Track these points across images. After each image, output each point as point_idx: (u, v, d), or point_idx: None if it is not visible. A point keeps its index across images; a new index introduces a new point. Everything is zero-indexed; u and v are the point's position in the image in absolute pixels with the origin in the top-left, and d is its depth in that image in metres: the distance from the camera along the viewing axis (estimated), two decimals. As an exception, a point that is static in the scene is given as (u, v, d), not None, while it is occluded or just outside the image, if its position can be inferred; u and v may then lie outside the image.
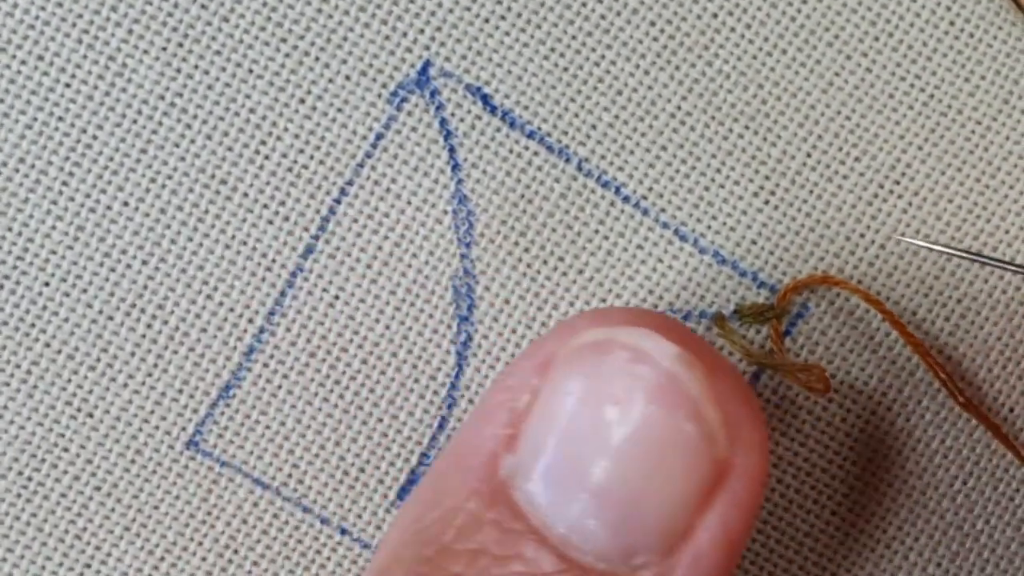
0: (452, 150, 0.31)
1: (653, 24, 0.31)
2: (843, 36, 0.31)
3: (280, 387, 0.32)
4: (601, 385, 0.27)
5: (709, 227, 0.31)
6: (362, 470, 0.32)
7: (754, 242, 0.31)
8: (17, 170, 0.31)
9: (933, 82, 0.32)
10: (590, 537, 0.27)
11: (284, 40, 0.31)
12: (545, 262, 0.32)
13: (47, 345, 0.31)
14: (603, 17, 0.31)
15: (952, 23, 0.32)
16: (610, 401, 0.27)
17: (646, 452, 0.27)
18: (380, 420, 0.32)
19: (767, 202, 0.31)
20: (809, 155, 0.32)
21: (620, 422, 0.27)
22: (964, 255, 0.31)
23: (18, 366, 0.31)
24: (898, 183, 0.32)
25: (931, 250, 0.31)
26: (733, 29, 0.31)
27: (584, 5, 0.31)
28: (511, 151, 0.31)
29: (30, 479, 0.32)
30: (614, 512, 0.27)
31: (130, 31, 0.31)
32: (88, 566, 0.32)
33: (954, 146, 0.32)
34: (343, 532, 0.32)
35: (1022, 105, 0.32)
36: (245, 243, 0.31)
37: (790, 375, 0.30)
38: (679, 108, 0.31)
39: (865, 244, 0.32)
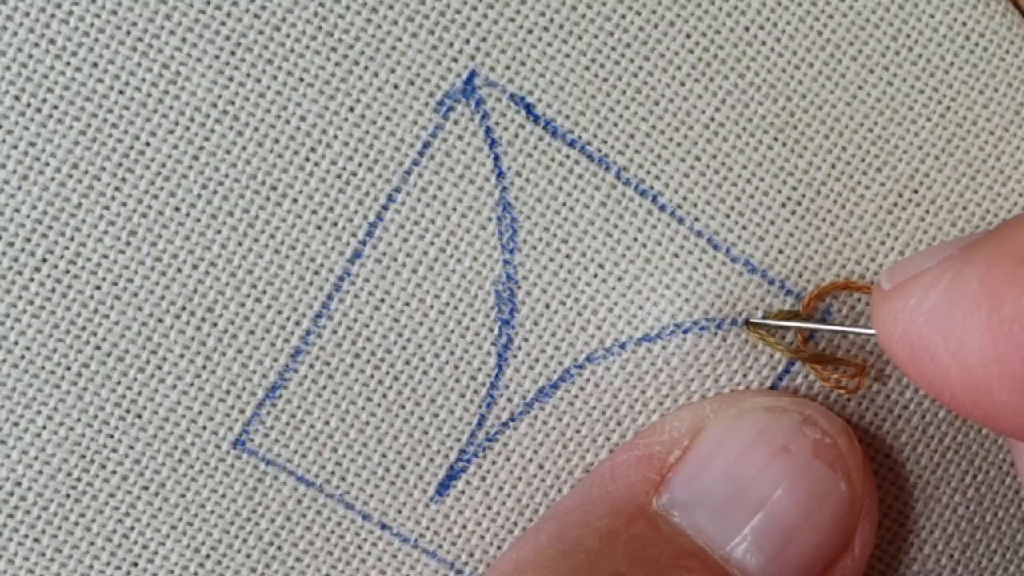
0: (497, 158, 0.33)
1: (689, 37, 0.33)
2: (866, 51, 0.34)
3: (325, 387, 0.33)
4: (772, 436, 0.31)
5: (740, 236, 0.33)
6: (403, 467, 0.34)
7: (781, 251, 0.33)
8: (71, 175, 0.32)
9: (950, 95, 0.34)
10: (746, 561, 0.31)
11: (334, 49, 0.32)
12: (586, 268, 0.33)
13: (97, 347, 0.32)
14: (641, 29, 0.33)
15: (968, 38, 0.34)
16: (779, 449, 0.31)
17: (808, 497, 0.31)
18: (421, 419, 0.33)
19: (794, 212, 0.33)
20: (834, 166, 0.34)
21: (785, 468, 0.31)
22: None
23: (68, 368, 0.32)
24: (916, 192, 0.34)
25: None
26: (764, 43, 0.33)
27: (624, 18, 0.33)
28: (553, 159, 0.33)
29: (79, 479, 0.33)
30: (772, 543, 0.31)
31: (183, 39, 0.32)
32: (135, 564, 0.33)
33: (969, 156, 0.34)
34: (383, 527, 0.34)
35: (1030, 118, 0.34)
36: (294, 247, 0.33)
37: (832, 365, 0.32)
38: (712, 119, 0.33)
39: (885, 251, 0.34)
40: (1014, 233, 0.27)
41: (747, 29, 0.33)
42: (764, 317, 0.34)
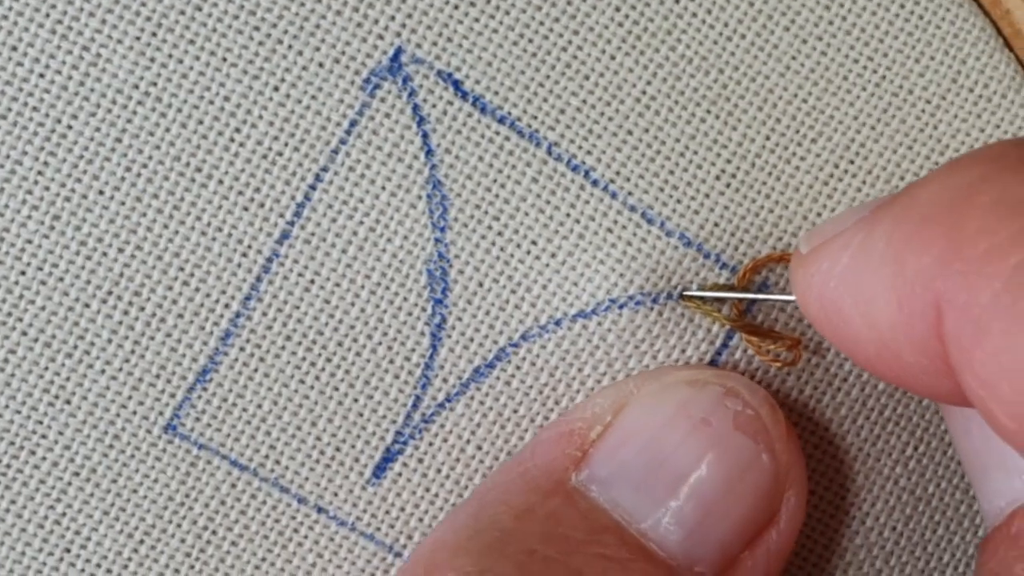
0: (425, 136, 0.33)
1: (618, 10, 0.33)
2: (799, 21, 0.33)
3: (256, 370, 0.33)
4: (693, 409, 0.31)
5: (674, 210, 0.33)
6: (338, 449, 0.33)
7: (717, 224, 0.33)
8: (-8, 160, 0.32)
9: (885, 63, 0.34)
10: (665, 535, 0.31)
11: (257, 28, 0.32)
12: (518, 245, 0.33)
13: (24, 333, 0.32)
14: (570, 3, 0.33)
15: (903, 6, 0.34)
16: (700, 422, 0.31)
17: (728, 471, 0.31)
18: (355, 400, 0.33)
19: (729, 185, 0.33)
20: (768, 137, 0.34)
21: (705, 440, 0.31)
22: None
23: (-5, 355, 0.32)
24: (852, 162, 0.34)
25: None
26: (695, 15, 0.33)
27: (551, -8, 0.33)
28: (483, 136, 0.33)
29: (9, 466, 0.33)
30: (691, 516, 0.31)
31: (104, 21, 0.32)
32: (68, 551, 0.33)
33: (905, 125, 0.34)
34: (320, 511, 0.34)
35: (969, 84, 0.34)
36: (221, 229, 0.33)
37: (768, 339, 0.32)
38: (644, 93, 0.33)
39: (815, 220, 0.34)
40: (920, 192, 0.27)
41: (677, 1, 0.33)
42: (700, 290, 0.34)
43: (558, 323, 0.34)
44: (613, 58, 0.33)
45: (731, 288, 0.34)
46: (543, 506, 0.31)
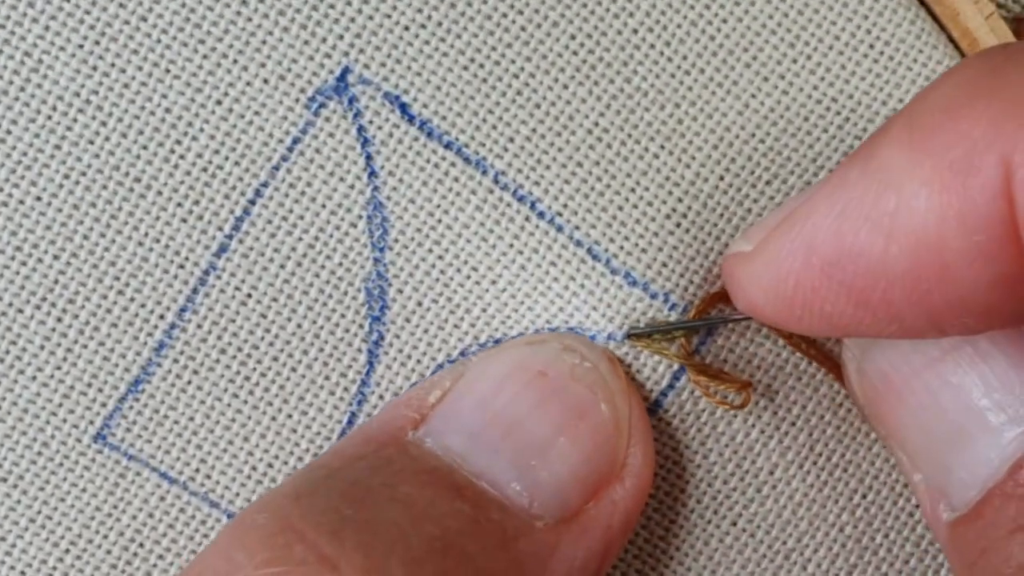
0: (369, 157, 0.32)
1: (573, 38, 0.32)
2: (761, 58, 0.33)
3: (190, 383, 0.33)
4: (529, 364, 0.31)
5: (622, 247, 0.33)
6: (270, 465, 0.33)
7: (665, 264, 0.33)
8: (-72, 162, 0.32)
9: (850, 105, 0.33)
10: (499, 477, 0.31)
11: (202, 41, 0.32)
12: (458, 270, 0.33)
13: (-45, 336, 0.32)
14: (523, 29, 0.32)
15: (871, 46, 0.33)
16: (536, 375, 0.31)
17: (562, 414, 0.31)
18: (289, 416, 0.33)
19: (679, 224, 0.33)
20: (722, 177, 0.33)
21: (541, 391, 0.31)
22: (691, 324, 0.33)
23: (-74, 356, 0.32)
24: (809, 205, 0.33)
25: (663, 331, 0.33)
26: (652, 46, 0.32)
27: (505, 17, 0.32)
28: (428, 160, 0.32)
29: (-64, 468, 0.33)
30: (523, 459, 0.31)
31: (47, 27, 0.31)
32: (-7, 554, 0.33)
33: (866, 170, 0.33)
34: (248, 526, 0.33)
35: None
36: (158, 240, 0.32)
37: (717, 380, 0.32)
38: (596, 125, 0.33)
39: None
40: (932, 96, 0.27)
41: (635, 31, 0.32)
42: (647, 326, 0.33)
43: (497, 342, 0.33)
44: (566, 87, 0.33)
45: (680, 323, 0.33)
46: (376, 453, 0.31)
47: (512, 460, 0.31)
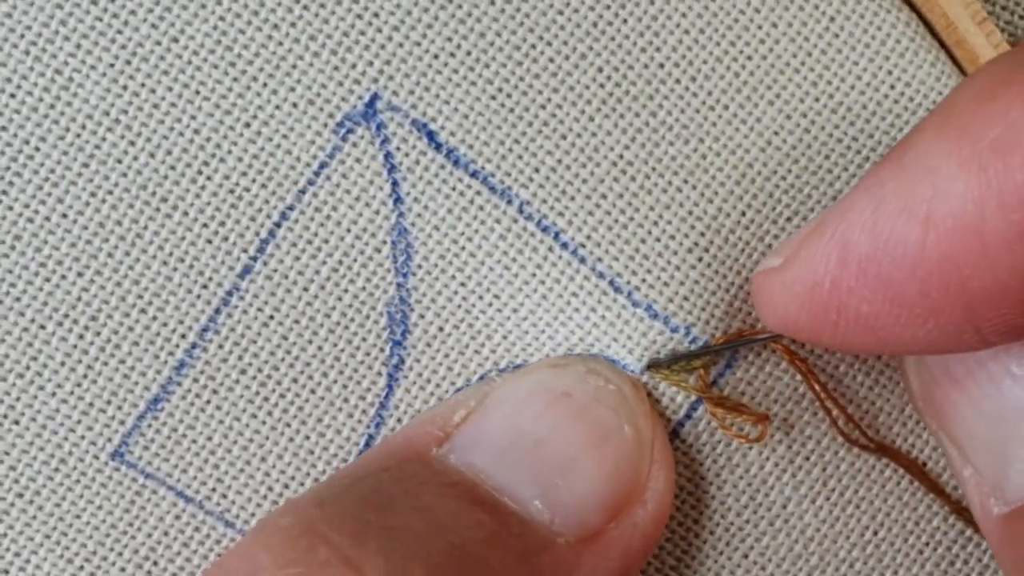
0: (395, 183, 0.33)
1: (600, 71, 0.33)
2: (784, 95, 0.33)
3: (209, 402, 0.33)
4: (553, 385, 0.32)
5: (644, 280, 0.33)
6: (286, 486, 0.34)
7: (687, 298, 0.33)
8: (-44, 177, 0.32)
9: (870, 144, 0.33)
10: (521, 494, 0.31)
11: (233, 64, 0.32)
12: (480, 297, 0.33)
13: (-23, 351, 0.32)
14: (551, 61, 0.33)
15: (892, 87, 0.33)
16: (560, 395, 0.31)
17: (586, 434, 0.31)
18: (307, 438, 0.33)
19: (700, 259, 0.33)
20: (744, 213, 0.33)
21: (566, 411, 0.31)
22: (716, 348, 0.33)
23: (-53, 370, 0.32)
24: (828, 242, 0.34)
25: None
26: (678, 81, 0.33)
27: (534, 48, 0.32)
28: (454, 189, 0.33)
29: (-47, 482, 0.33)
30: (546, 477, 0.31)
31: (78, 45, 0.32)
32: (6, 572, 0.33)
33: (885, 209, 0.34)
34: (263, 547, 0.34)
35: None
36: (183, 260, 0.32)
37: (734, 412, 0.32)
38: (621, 157, 0.33)
39: None
40: (969, 86, 0.28)
41: (661, 66, 0.33)
42: (667, 357, 0.33)
43: (517, 368, 0.33)
44: (592, 119, 0.33)
45: (701, 354, 0.34)
46: (399, 467, 0.31)
47: (535, 478, 0.31)
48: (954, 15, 0.34)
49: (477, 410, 0.32)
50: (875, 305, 0.28)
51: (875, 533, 0.35)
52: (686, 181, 0.33)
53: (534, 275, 0.33)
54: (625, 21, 0.33)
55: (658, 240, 0.33)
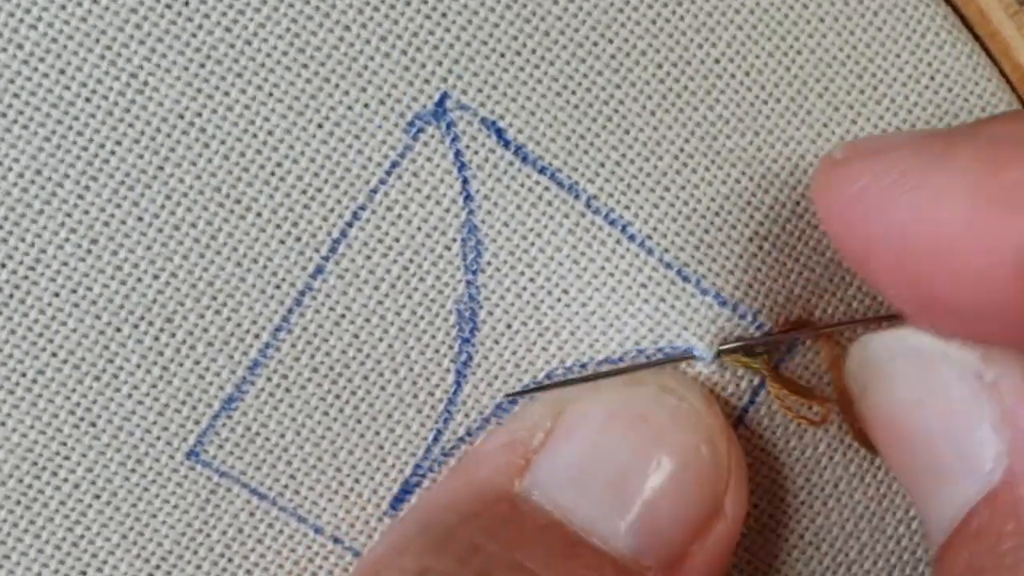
0: (465, 181, 0.33)
1: (660, 67, 0.34)
2: (832, 88, 0.34)
3: (282, 401, 0.34)
4: (629, 407, 0.32)
5: (709, 268, 0.34)
6: (357, 481, 0.34)
7: (751, 284, 0.34)
8: (34, 182, 0.32)
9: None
10: (608, 530, 0.31)
11: (305, 66, 0.33)
12: (549, 292, 0.34)
13: (54, 354, 0.33)
14: (613, 58, 0.33)
15: (933, 78, 0.35)
16: (637, 418, 0.32)
17: (665, 459, 0.32)
18: (377, 433, 0.34)
19: (761, 247, 0.34)
20: (799, 202, 0.34)
21: (644, 436, 0.32)
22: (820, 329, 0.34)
23: (24, 374, 0.33)
24: (876, 228, 0.35)
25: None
26: (734, 76, 0.34)
27: (596, 46, 0.33)
28: (522, 185, 0.34)
29: (31, 486, 0.33)
30: (634, 511, 0.31)
31: (153, 49, 0.32)
32: (84, 573, 0.33)
33: (928, 196, 0.35)
34: (336, 541, 0.34)
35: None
36: (256, 260, 0.33)
37: (799, 395, 0.33)
38: (682, 150, 0.34)
39: (846, 286, 0.35)
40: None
41: (717, 62, 0.34)
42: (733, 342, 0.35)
43: (583, 366, 0.34)
44: (653, 114, 0.34)
45: (766, 336, 0.35)
46: (489, 510, 0.31)
47: (619, 510, 0.32)
48: (987, 8, 0.35)
49: (554, 433, 0.32)
50: (878, 248, 0.29)
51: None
52: (743, 172, 0.34)
53: (602, 268, 0.34)
54: (682, 18, 0.34)
55: (720, 229, 0.34)
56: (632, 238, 0.34)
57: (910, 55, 0.35)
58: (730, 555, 0.33)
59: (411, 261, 0.34)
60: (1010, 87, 0.36)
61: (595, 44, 0.34)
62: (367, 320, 0.34)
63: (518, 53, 0.33)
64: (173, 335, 0.33)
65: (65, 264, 0.33)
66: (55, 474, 0.33)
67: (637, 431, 0.32)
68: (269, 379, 0.34)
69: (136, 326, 0.33)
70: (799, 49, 0.34)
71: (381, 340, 0.34)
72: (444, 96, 0.33)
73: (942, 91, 0.35)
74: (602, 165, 0.34)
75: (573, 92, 0.34)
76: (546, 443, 0.32)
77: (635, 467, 0.32)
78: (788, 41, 0.34)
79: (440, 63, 0.33)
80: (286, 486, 0.34)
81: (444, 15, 0.33)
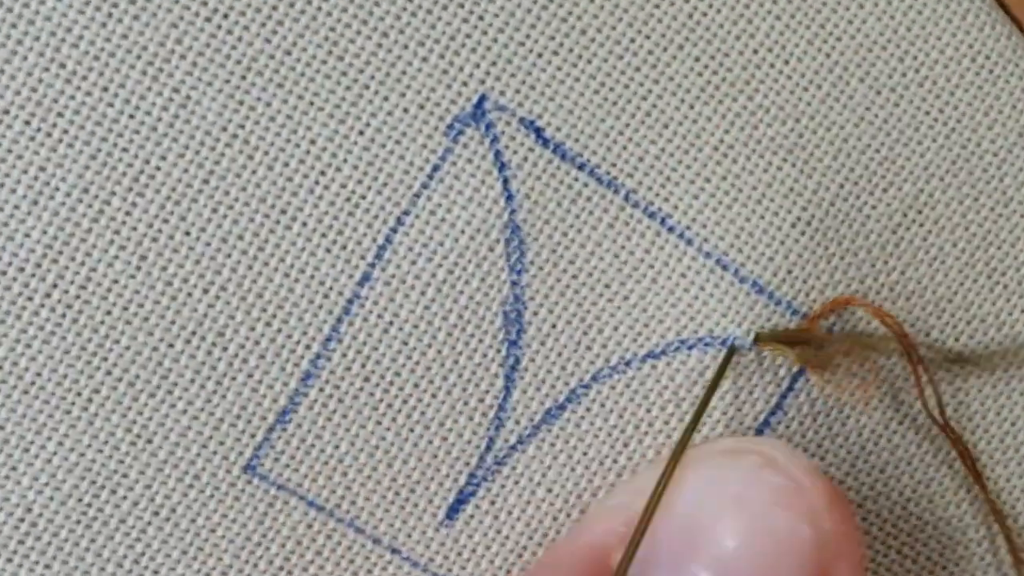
0: (506, 181, 0.33)
1: (698, 60, 0.34)
2: (873, 73, 0.34)
3: (335, 411, 0.34)
4: (729, 482, 0.31)
5: (749, 257, 0.34)
6: (412, 491, 0.34)
7: (789, 271, 0.34)
8: (81, 200, 0.32)
9: (955, 116, 0.35)
10: None
11: (344, 74, 0.33)
12: (592, 288, 0.34)
13: (108, 373, 0.33)
14: (651, 53, 0.34)
15: (973, 60, 0.35)
16: (735, 496, 0.31)
17: (764, 547, 0.31)
18: (430, 442, 0.34)
19: (803, 233, 0.34)
20: (842, 186, 0.34)
21: (744, 517, 0.31)
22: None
23: (79, 394, 0.33)
24: (920, 212, 0.35)
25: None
26: (772, 66, 0.34)
27: (633, 42, 0.34)
28: (562, 182, 0.34)
29: (90, 505, 0.33)
30: None
31: (194, 64, 0.32)
32: (146, 590, 0.33)
33: (972, 176, 0.35)
34: (394, 552, 0.34)
35: (1033, 138, 0.35)
36: (304, 271, 0.33)
37: (865, 350, 0.33)
38: (722, 142, 0.34)
39: (888, 271, 0.35)
40: None
41: (756, 52, 0.34)
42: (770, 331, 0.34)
43: (628, 364, 0.34)
44: (692, 107, 0.34)
45: (801, 332, 0.35)
46: None
47: None
48: (1022, -12, 0.35)
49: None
50: None
51: (967, 491, 0.36)
52: (785, 160, 0.34)
53: (642, 260, 0.34)
54: (719, 11, 0.34)
55: (761, 218, 0.34)
56: (671, 230, 0.34)
57: (951, 38, 0.35)
58: None
59: (456, 264, 0.34)
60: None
61: (632, 40, 0.34)
62: (415, 326, 0.34)
63: (555, 52, 0.34)
64: (225, 349, 0.33)
65: (115, 282, 0.33)
66: (114, 492, 0.33)
67: (733, 512, 0.31)
68: (322, 390, 0.34)
69: (188, 341, 0.33)
70: (839, 36, 0.34)
71: (430, 346, 0.34)
72: (482, 98, 0.33)
73: (983, 73, 0.35)
74: (641, 159, 0.34)
75: (611, 89, 0.34)
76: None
77: (729, 551, 0.31)
78: (828, 28, 0.34)
79: (477, 65, 0.33)
80: (343, 497, 0.34)
81: (481, 18, 0.33)
